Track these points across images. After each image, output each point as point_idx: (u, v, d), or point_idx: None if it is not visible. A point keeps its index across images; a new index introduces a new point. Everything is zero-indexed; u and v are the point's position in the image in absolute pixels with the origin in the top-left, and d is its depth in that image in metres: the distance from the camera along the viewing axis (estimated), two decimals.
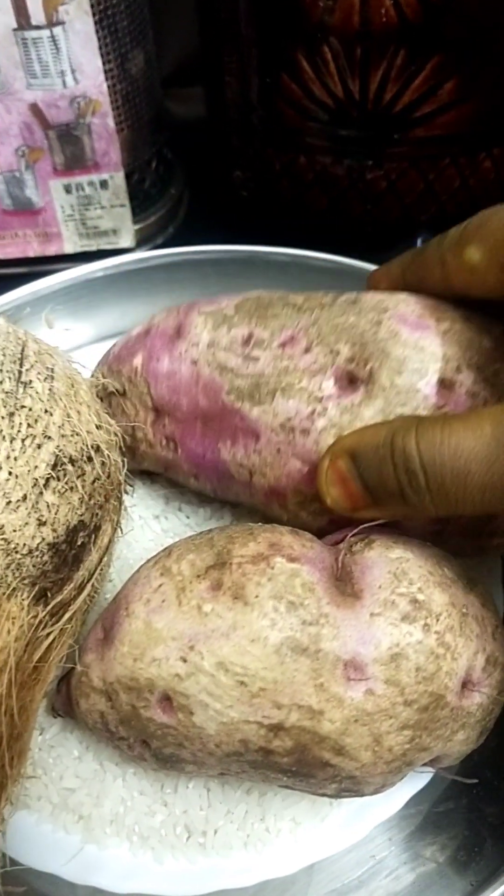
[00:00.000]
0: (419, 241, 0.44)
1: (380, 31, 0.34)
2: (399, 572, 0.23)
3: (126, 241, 0.44)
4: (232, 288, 0.40)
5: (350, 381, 0.25)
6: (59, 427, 0.24)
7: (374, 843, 0.27)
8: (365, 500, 0.23)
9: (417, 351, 0.25)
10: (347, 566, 0.24)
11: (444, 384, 0.24)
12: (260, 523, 0.25)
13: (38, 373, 0.25)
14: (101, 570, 0.27)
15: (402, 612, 0.22)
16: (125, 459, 0.29)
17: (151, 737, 0.23)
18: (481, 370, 0.25)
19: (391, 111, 0.36)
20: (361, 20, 0.34)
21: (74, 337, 0.40)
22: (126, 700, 0.23)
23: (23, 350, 0.25)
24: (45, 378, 0.25)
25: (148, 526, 0.32)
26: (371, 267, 0.38)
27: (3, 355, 0.25)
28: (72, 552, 0.24)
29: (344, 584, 0.23)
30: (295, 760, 0.22)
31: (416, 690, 0.22)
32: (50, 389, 0.25)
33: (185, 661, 0.22)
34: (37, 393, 0.24)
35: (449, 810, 0.28)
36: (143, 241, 0.45)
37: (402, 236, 0.44)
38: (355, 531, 0.25)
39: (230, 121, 0.42)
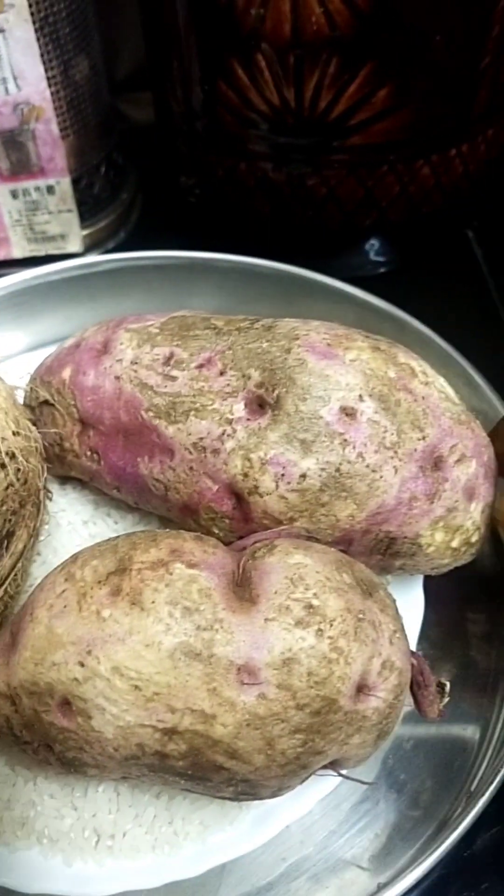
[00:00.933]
0: (368, 247, 0.45)
1: (311, 40, 0.34)
2: (296, 577, 0.23)
3: (74, 246, 0.44)
4: (174, 293, 0.41)
5: (259, 405, 0.26)
6: None
7: (286, 845, 0.27)
8: None
9: (322, 379, 0.26)
10: (248, 571, 0.24)
11: (346, 412, 0.25)
12: (167, 529, 0.26)
13: None
14: (16, 574, 0.27)
15: (296, 618, 0.22)
16: (46, 466, 0.29)
17: (54, 741, 0.23)
18: (383, 400, 0.26)
19: (327, 119, 0.36)
20: (293, 28, 0.34)
21: (15, 343, 0.40)
22: (28, 704, 0.23)
23: None
24: None
25: (76, 531, 0.32)
26: (313, 275, 0.38)
27: None
28: None
29: (243, 590, 0.23)
30: (190, 764, 0.22)
31: (308, 695, 0.22)
32: None
33: (82, 665, 0.22)
34: None
35: (364, 812, 0.28)
36: (93, 245, 0.46)
37: (348, 242, 0.44)
38: (261, 538, 0.25)
39: (176, 127, 0.42)
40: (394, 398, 0.26)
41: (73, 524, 0.32)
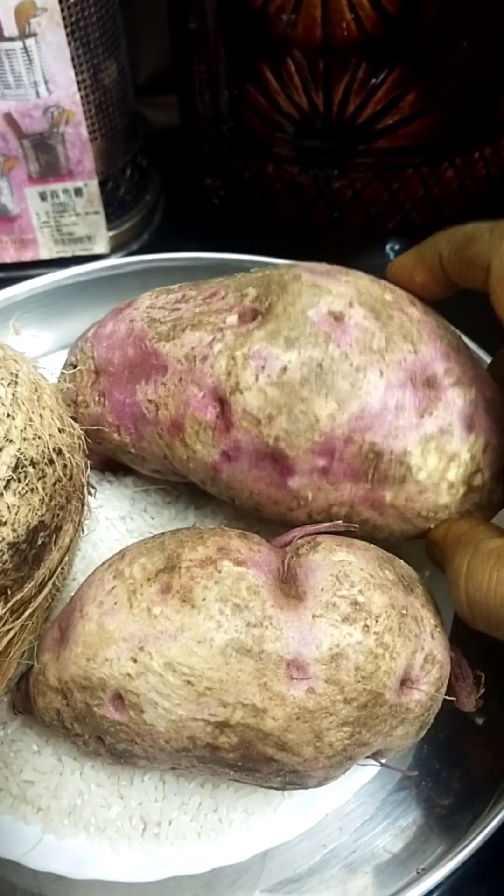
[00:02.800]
0: (388, 249, 0.45)
1: (341, 45, 0.35)
2: (341, 575, 0.24)
3: (101, 247, 0.45)
4: None
5: (252, 316, 0.26)
6: (21, 431, 0.25)
7: (326, 833, 0.28)
8: None
9: (313, 288, 0.26)
10: (293, 569, 0.25)
11: (334, 315, 0.25)
12: (210, 527, 0.26)
13: (2, 378, 0.26)
14: (63, 568, 0.28)
15: (343, 614, 0.23)
16: (88, 462, 0.30)
17: (105, 733, 0.24)
18: (374, 311, 0.25)
19: (355, 123, 0.37)
20: (323, 34, 0.35)
21: (44, 343, 0.41)
22: (80, 698, 0.24)
23: None
24: (9, 383, 0.26)
25: (114, 527, 0.33)
26: None
27: None
28: (32, 551, 0.25)
29: (289, 587, 0.24)
30: (240, 756, 0.23)
31: (356, 689, 0.23)
32: (13, 394, 0.26)
33: (135, 661, 0.23)
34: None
35: (400, 801, 0.29)
36: (118, 247, 0.46)
37: (369, 243, 0.45)
38: (302, 534, 0.26)
39: (201, 130, 0.43)
40: (386, 313, 0.25)
41: (111, 520, 0.33)
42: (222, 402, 0.26)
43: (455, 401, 0.25)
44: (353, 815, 0.29)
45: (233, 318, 0.26)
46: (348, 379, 0.24)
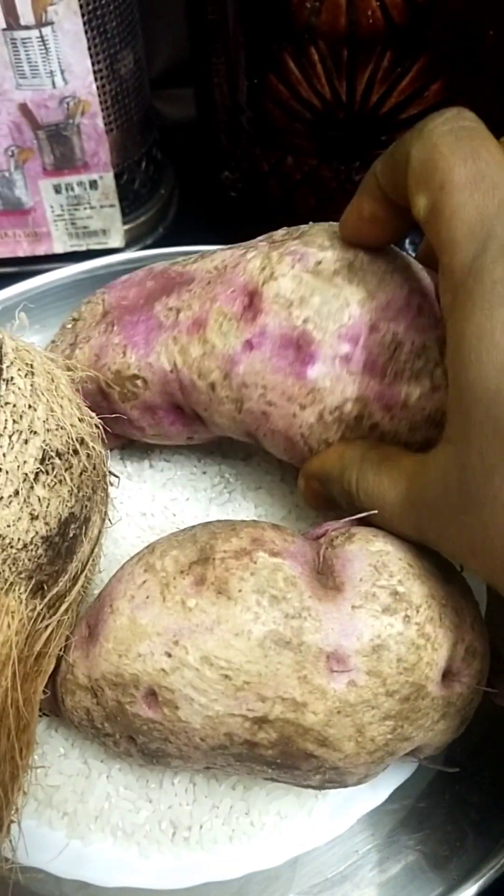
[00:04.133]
0: (408, 243, 0.45)
1: (366, 33, 0.34)
2: (379, 565, 0.23)
3: (115, 241, 0.44)
4: None
5: (282, 240, 0.27)
6: (44, 422, 0.24)
7: (358, 838, 0.27)
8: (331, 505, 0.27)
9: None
10: (328, 560, 0.24)
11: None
12: (242, 519, 0.26)
13: (19, 369, 0.25)
14: (93, 560, 0.27)
15: (383, 605, 0.22)
16: (108, 451, 0.29)
17: (137, 732, 0.23)
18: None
19: (378, 113, 0.37)
20: (348, 22, 0.34)
21: None
22: (112, 696, 0.23)
23: (1, 347, 0.25)
24: (26, 374, 0.25)
25: (134, 522, 0.32)
26: None
27: None
28: (65, 544, 0.24)
29: (325, 578, 0.23)
30: (279, 752, 0.22)
31: (398, 681, 0.22)
32: (32, 385, 0.25)
33: (169, 655, 0.22)
34: (19, 389, 0.24)
35: (432, 805, 0.28)
36: (132, 241, 0.46)
37: None
38: (336, 525, 0.25)
39: (219, 122, 0.42)
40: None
41: (132, 515, 0.32)
42: (252, 295, 0.26)
43: None
44: (384, 820, 0.28)
45: (264, 243, 0.28)
46: (377, 276, 0.26)
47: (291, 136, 0.39)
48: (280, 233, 0.28)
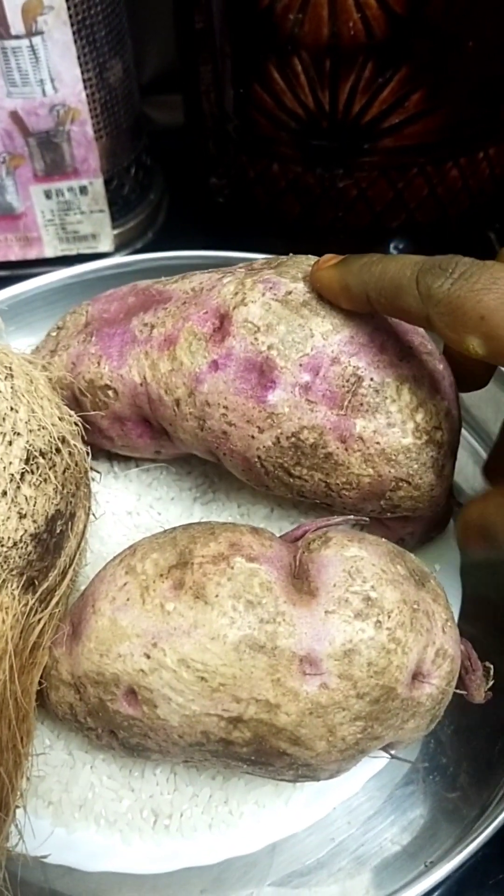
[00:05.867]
0: (393, 248, 0.46)
1: (348, 44, 0.35)
2: (353, 570, 0.24)
3: (105, 245, 0.45)
4: None
5: (260, 269, 0.29)
6: (26, 423, 0.25)
7: (335, 826, 0.29)
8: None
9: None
10: (304, 564, 0.25)
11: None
12: (222, 522, 0.27)
13: None
14: (80, 554, 0.28)
15: (356, 610, 0.23)
16: (88, 448, 0.30)
17: (118, 728, 0.24)
18: None
19: (360, 122, 0.37)
20: (330, 33, 0.35)
21: None
22: (94, 693, 0.24)
23: None
24: (6, 377, 0.26)
25: (120, 521, 0.33)
26: None
27: None
28: (52, 540, 0.25)
29: (301, 582, 0.24)
30: (253, 750, 0.23)
31: (368, 684, 0.23)
32: (12, 387, 0.26)
33: (148, 657, 0.23)
34: (0, 392, 0.25)
35: (407, 794, 0.30)
36: (122, 245, 0.46)
37: (374, 242, 0.45)
38: (313, 528, 0.26)
39: (206, 129, 0.43)
40: None
41: (118, 514, 0.33)
42: (223, 318, 0.27)
43: (427, 363, 0.28)
44: (360, 809, 0.29)
45: (242, 270, 0.29)
46: (344, 311, 0.27)
47: (277, 145, 0.40)
48: (260, 261, 0.29)
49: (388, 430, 0.26)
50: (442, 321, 0.22)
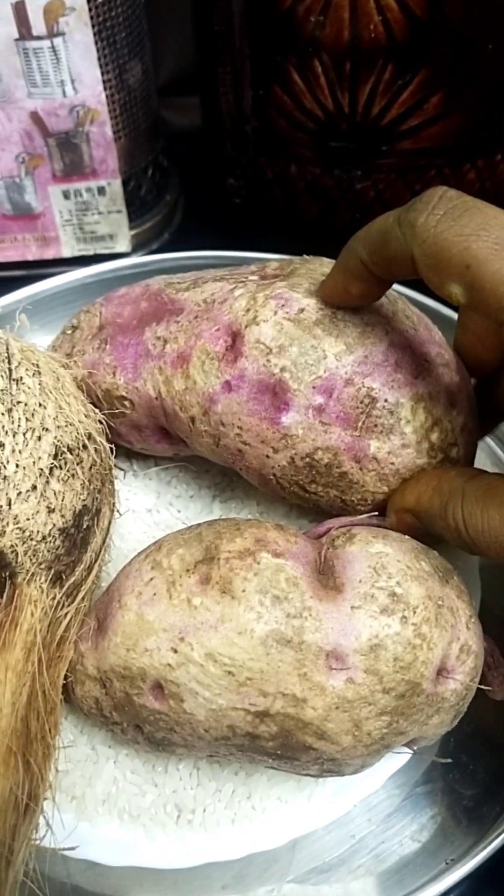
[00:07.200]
0: None
1: (368, 47, 0.35)
2: (378, 566, 0.24)
3: (122, 245, 0.45)
4: None
5: (273, 278, 0.28)
6: (54, 419, 0.26)
7: (355, 823, 0.29)
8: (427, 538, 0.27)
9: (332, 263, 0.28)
10: (329, 560, 0.25)
11: None
12: (246, 518, 0.27)
13: (27, 369, 0.26)
14: (104, 550, 0.28)
15: (382, 605, 0.23)
16: (112, 446, 0.30)
17: (144, 722, 0.24)
18: (388, 295, 0.28)
19: (379, 124, 0.38)
20: (351, 35, 0.35)
21: None
22: (120, 688, 0.24)
23: (7, 348, 0.26)
24: (34, 374, 0.26)
25: (140, 518, 0.33)
26: None
27: None
28: (79, 535, 0.25)
29: (326, 578, 0.25)
30: (279, 745, 0.23)
31: (394, 679, 0.23)
32: (40, 384, 0.26)
33: (175, 651, 0.23)
34: (29, 388, 0.25)
35: (427, 792, 0.30)
36: (139, 246, 0.47)
37: None
38: (337, 525, 0.27)
39: (224, 130, 0.43)
40: (402, 301, 0.28)
41: (138, 512, 0.34)
42: (235, 336, 0.27)
43: (443, 377, 0.27)
44: (381, 807, 0.29)
45: (255, 277, 0.28)
46: (358, 328, 0.26)
47: (295, 146, 0.40)
48: (273, 264, 0.29)
49: (402, 451, 0.26)
50: (425, 262, 0.21)
